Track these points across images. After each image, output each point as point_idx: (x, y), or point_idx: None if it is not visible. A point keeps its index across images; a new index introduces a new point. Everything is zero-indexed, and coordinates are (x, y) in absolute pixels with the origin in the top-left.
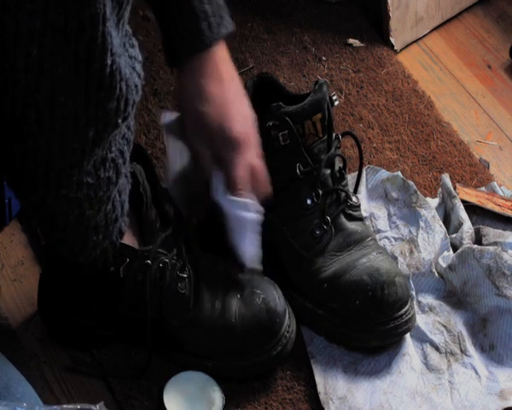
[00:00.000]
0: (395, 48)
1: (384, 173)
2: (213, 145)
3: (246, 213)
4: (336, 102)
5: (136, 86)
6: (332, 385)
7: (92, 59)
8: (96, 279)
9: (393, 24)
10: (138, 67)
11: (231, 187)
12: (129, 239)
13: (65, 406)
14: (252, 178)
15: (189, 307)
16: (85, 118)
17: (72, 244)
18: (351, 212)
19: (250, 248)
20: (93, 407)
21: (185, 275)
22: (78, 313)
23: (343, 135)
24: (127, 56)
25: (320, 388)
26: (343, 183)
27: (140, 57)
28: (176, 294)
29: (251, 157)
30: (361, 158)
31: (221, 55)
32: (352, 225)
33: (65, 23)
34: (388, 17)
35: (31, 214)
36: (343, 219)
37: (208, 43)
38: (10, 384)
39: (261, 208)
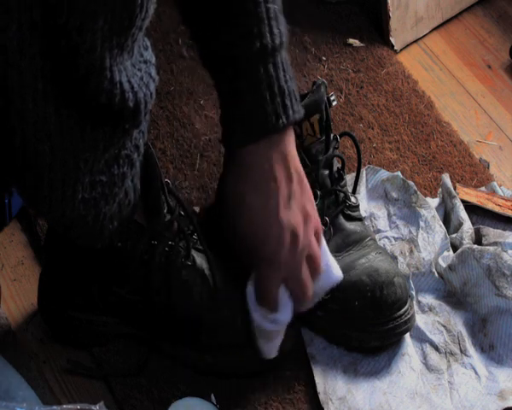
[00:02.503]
0: (395, 48)
1: (384, 173)
2: (250, 255)
3: (267, 324)
4: (334, 103)
5: (151, 94)
6: (332, 385)
7: (96, 96)
8: (102, 258)
9: (393, 24)
10: (153, 71)
11: (261, 296)
12: (137, 218)
13: (65, 406)
14: (290, 286)
15: (192, 294)
16: (92, 127)
17: (88, 237)
18: (349, 212)
19: (267, 348)
20: (93, 408)
21: (189, 263)
22: (78, 307)
23: (341, 135)
24: (142, 62)
25: (320, 388)
26: (342, 183)
27: (153, 59)
28: (179, 281)
29: (288, 270)
30: (359, 158)
31: (276, 149)
32: (350, 226)
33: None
34: (388, 17)
35: (49, 224)
36: (342, 219)
37: (256, 135)
38: (11, 389)
39: (285, 318)
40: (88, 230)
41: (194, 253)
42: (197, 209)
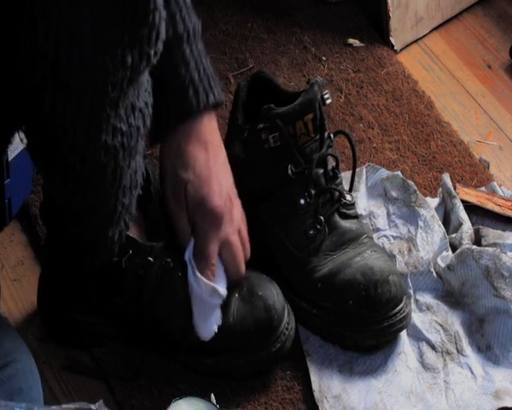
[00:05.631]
0: (395, 48)
1: (384, 172)
2: (190, 213)
3: (208, 296)
4: (328, 101)
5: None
6: (327, 384)
7: None
8: (98, 272)
9: (393, 24)
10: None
11: (200, 259)
12: (135, 233)
13: (64, 406)
14: (226, 253)
15: (189, 306)
16: (122, 47)
17: (102, 213)
18: (345, 210)
19: (206, 326)
20: (92, 407)
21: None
22: (78, 310)
23: (335, 134)
24: None
25: (315, 386)
26: (336, 182)
27: None
28: (176, 293)
29: (227, 232)
30: (354, 156)
31: (208, 124)
32: (346, 224)
33: None
34: (388, 17)
35: (63, 184)
36: (337, 217)
37: (195, 111)
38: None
39: (224, 292)
40: (105, 197)
41: None
42: None
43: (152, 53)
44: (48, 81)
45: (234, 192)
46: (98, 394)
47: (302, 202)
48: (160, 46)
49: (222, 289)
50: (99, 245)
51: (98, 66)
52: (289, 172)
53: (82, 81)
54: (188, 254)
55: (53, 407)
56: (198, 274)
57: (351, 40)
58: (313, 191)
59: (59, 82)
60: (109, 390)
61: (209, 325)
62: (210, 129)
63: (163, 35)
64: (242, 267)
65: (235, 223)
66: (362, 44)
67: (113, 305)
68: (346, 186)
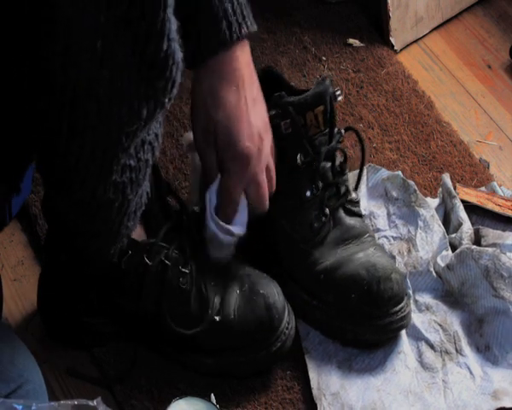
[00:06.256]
0: (395, 48)
1: (384, 172)
2: (219, 152)
3: (222, 235)
4: (340, 98)
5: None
6: (325, 381)
7: (149, 43)
8: (98, 272)
9: (393, 24)
10: (177, 45)
11: (224, 197)
12: (136, 231)
13: (62, 402)
14: (251, 191)
15: (190, 302)
16: (138, 99)
17: (105, 237)
18: (350, 207)
19: (218, 258)
20: (90, 403)
21: (187, 270)
22: (78, 310)
23: (346, 130)
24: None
25: (313, 383)
26: (343, 177)
27: (176, 38)
28: (177, 289)
29: (254, 172)
30: (363, 153)
31: (241, 57)
32: (350, 220)
33: (127, 11)
34: (388, 17)
35: (71, 214)
36: (342, 213)
37: (228, 43)
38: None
39: (240, 232)
40: (110, 225)
41: (191, 259)
42: (197, 209)
43: (167, 101)
44: (63, 128)
45: (265, 126)
46: (98, 394)
47: (308, 193)
48: (175, 91)
49: (238, 230)
50: (100, 257)
51: (114, 118)
52: (298, 161)
53: (97, 131)
54: (209, 193)
55: (51, 403)
56: (214, 216)
57: (351, 40)
58: (320, 184)
59: (74, 130)
60: (109, 390)
61: (219, 255)
62: (242, 62)
63: (178, 82)
64: (265, 205)
65: (262, 161)
66: (362, 44)
67: (113, 305)
68: (350, 186)
